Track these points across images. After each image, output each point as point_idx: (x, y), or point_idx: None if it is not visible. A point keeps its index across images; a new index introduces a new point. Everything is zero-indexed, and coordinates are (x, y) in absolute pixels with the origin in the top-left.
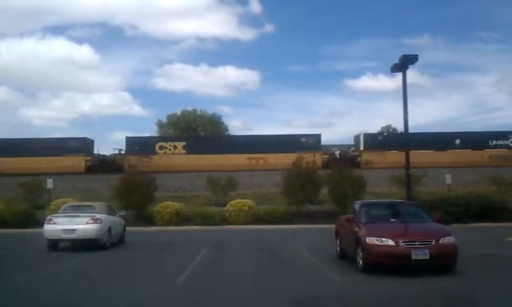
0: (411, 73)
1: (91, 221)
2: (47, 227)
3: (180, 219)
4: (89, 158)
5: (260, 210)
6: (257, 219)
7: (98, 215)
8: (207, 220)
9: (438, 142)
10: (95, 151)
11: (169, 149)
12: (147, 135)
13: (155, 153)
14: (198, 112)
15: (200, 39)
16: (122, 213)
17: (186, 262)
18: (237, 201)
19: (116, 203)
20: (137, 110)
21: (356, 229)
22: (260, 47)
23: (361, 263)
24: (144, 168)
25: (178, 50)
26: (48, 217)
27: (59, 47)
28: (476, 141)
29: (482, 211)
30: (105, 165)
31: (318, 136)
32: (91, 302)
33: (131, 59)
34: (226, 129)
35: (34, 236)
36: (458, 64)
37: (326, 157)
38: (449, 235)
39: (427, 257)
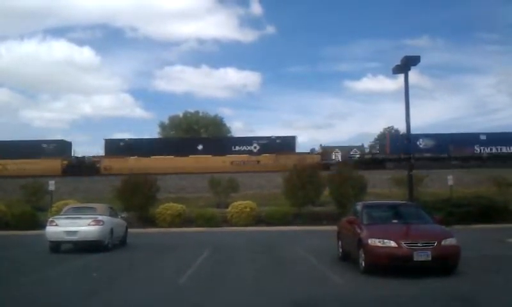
0: (412, 74)
1: (93, 223)
2: (49, 229)
3: (182, 220)
4: None
5: (261, 212)
6: (259, 221)
7: (100, 217)
8: (208, 221)
9: (182, 146)
10: None
11: None
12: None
13: None
14: (200, 114)
15: (201, 41)
16: (124, 214)
17: (188, 264)
18: (239, 202)
19: (118, 204)
20: (138, 112)
21: (358, 230)
22: (260, 48)
23: (363, 264)
24: None
25: (179, 52)
26: (50, 219)
27: (60, 48)
28: (219, 146)
29: (484, 212)
30: None
31: (61, 142)
32: (94, 303)
33: (132, 61)
34: (228, 131)
35: (36, 238)
36: (458, 65)
37: (66, 162)
38: (451, 237)
39: (429, 258)
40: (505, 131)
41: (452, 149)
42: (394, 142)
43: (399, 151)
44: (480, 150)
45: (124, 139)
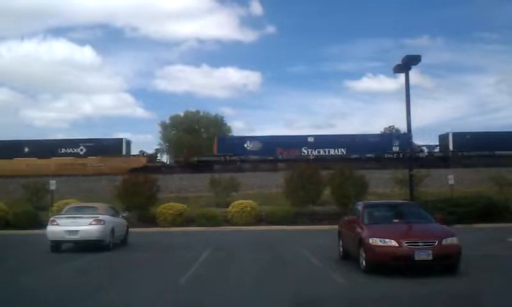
0: (413, 74)
1: (94, 222)
2: (50, 228)
3: (183, 220)
4: None
5: (262, 211)
6: (259, 220)
7: (101, 217)
8: (209, 221)
9: (8, 149)
10: None
11: None
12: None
13: None
14: (201, 114)
15: (201, 41)
16: (125, 214)
17: (189, 263)
18: (240, 202)
19: (119, 204)
20: (139, 111)
21: (359, 230)
22: (261, 48)
23: (364, 263)
24: None
25: (179, 51)
26: (51, 219)
27: (61, 48)
28: (45, 148)
29: (484, 211)
30: None
31: None
32: (94, 303)
33: (132, 61)
34: (229, 130)
35: (37, 238)
36: (459, 64)
37: None
38: (452, 236)
39: (430, 258)
40: (330, 134)
41: (280, 152)
42: (221, 143)
43: (225, 152)
44: (308, 152)
45: None
